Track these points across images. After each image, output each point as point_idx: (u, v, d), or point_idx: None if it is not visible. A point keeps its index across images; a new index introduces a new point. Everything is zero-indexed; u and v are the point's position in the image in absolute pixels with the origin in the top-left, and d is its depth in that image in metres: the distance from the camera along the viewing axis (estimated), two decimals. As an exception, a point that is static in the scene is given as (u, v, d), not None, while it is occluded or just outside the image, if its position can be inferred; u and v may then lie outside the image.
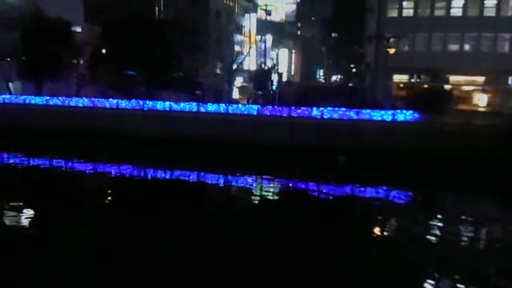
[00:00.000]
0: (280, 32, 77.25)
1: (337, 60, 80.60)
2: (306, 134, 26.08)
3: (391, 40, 34.82)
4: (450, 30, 40.23)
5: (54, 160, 24.38)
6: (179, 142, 27.21)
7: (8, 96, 33.35)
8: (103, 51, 33.84)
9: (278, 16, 77.38)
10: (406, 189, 19.45)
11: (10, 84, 48.80)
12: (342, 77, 66.32)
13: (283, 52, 75.06)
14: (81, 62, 35.82)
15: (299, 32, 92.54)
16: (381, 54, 43.38)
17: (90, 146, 27.52)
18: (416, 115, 24.84)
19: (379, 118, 25.32)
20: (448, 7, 40.26)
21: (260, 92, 41.37)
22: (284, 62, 74.46)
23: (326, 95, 41.67)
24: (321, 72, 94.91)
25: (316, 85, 64.24)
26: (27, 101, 32.23)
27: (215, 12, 50.87)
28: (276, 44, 72.67)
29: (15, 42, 37.79)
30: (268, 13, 54.28)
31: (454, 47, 40.88)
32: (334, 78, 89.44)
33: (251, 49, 67.25)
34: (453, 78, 40.77)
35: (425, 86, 40.51)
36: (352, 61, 65.98)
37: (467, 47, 40.66)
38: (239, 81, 64.13)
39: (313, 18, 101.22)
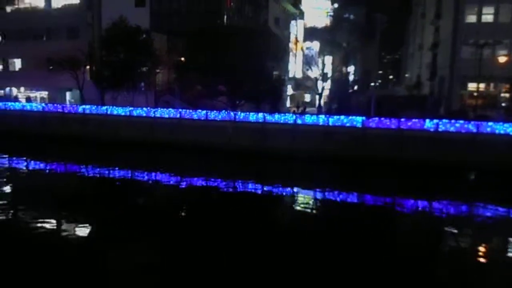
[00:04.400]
0: (326, 39, 75.76)
1: (395, 67, 78.43)
2: (418, 148, 24.47)
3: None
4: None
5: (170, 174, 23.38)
6: (273, 156, 26.02)
7: (88, 106, 32.40)
8: (182, 60, 32.78)
9: (322, 22, 76.10)
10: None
11: (68, 93, 48.65)
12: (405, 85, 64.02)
13: (328, 60, 73.65)
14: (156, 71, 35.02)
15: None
16: (456, 61, 41.84)
17: (177, 158, 26.63)
18: (543, 128, 22.97)
19: (502, 132, 23.53)
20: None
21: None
22: (329, 70, 72.99)
23: (405, 104, 39.96)
24: (378, 81, 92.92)
25: (392, 93, 61.89)
26: (108, 112, 31.34)
27: (273, 19, 49.88)
28: (322, 51, 71.36)
29: (81, 50, 37.34)
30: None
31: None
32: (391, 86, 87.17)
33: (297, 56, 66.11)
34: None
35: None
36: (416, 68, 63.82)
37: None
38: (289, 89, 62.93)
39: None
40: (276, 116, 27.72)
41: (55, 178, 22.87)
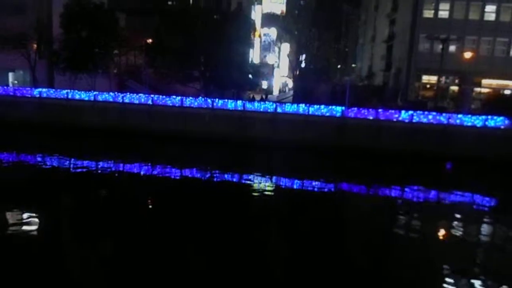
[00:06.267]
0: (281, 26, 75.84)
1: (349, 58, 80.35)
2: (394, 138, 25.50)
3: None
4: (483, 34, 41.33)
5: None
6: (252, 145, 25.75)
7: (45, 90, 29.39)
8: (150, 42, 30.86)
9: (278, 8, 75.97)
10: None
11: (10, 74, 43.95)
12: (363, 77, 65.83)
13: (285, 47, 73.85)
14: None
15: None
16: (414, 54, 44.01)
17: (150, 146, 25.30)
18: (507, 121, 25.00)
19: (470, 124, 25.21)
20: (482, 11, 41.27)
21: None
22: (285, 58, 73.33)
23: (364, 94, 41.38)
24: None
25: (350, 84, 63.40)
26: (69, 96, 28.73)
27: (236, 4, 48.72)
28: (279, 38, 71.33)
29: (31, 27, 33.85)
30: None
31: (485, 50, 42.00)
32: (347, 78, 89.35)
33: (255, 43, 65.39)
34: (485, 82, 42.11)
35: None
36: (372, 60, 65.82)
37: (498, 51, 41.92)
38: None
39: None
40: (256, 104, 27.24)
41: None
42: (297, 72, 42.96)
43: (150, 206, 15.93)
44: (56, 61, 30.11)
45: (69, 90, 28.92)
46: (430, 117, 25.52)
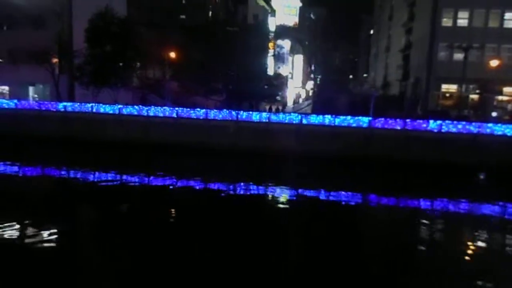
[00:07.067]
0: (295, 37, 76.26)
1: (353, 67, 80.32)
2: (422, 148, 25.06)
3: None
4: (503, 42, 40.87)
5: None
6: (279, 155, 25.45)
7: (69, 104, 29.59)
8: (174, 55, 30.99)
9: (291, 20, 76.39)
10: None
11: (31, 88, 44.48)
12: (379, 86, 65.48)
13: (298, 59, 74.05)
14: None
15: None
16: (433, 63, 43.61)
17: (176, 160, 25.17)
18: (538, 129, 24.45)
19: (500, 133, 24.72)
20: (502, 19, 40.90)
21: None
22: (298, 69, 73.48)
23: (382, 104, 40.93)
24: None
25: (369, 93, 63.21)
26: (94, 110, 28.86)
27: (252, 16, 49.03)
28: (292, 50, 71.56)
29: (53, 41, 34.39)
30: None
31: (506, 58, 41.43)
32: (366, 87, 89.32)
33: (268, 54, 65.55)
34: (507, 89, 41.50)
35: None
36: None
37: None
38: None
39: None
40: (281, 115, 27.09)
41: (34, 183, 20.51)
42: (315, 83, 42.78)
43: (187, 219, 15.71)
44: (80, 75, 30.33)
45: (93, 104, 29.07)
46: (459, 126, 25.09)
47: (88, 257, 11.48)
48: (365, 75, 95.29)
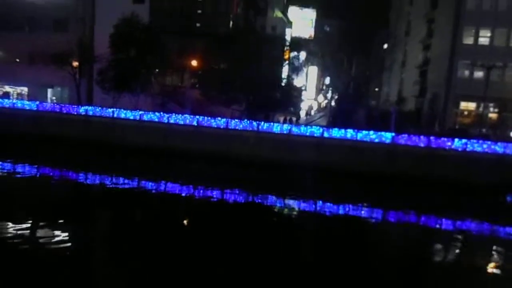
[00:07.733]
0: (310, 49, 76.30)
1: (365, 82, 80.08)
2: (446, 166, 24.66)
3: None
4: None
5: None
6: (299, 168, 25.18)
7: (91, 108, 29.68)
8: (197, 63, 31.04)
9: (307, 32, 76.60)
10: None
11: (49, 91, 44.80)
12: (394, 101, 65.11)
13: (312, 70, 74.02)
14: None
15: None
16: (453, 80, 43.29)
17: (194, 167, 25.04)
18: None
19: (527, 153, 24.26)
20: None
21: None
22: (312, 81, 73.37)
23: (402, 120, 40.61)
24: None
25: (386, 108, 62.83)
26: (115, 115, 28.89)
27: (271, 27, 49.23)
28: (306, 62, 71.63)
29: (76, 44, 34.69)
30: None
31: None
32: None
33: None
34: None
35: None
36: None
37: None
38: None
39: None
40: (302, 128, 26.89)
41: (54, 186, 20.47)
42: (329, 96, 42.62)
43: (202, 228, 15.49)
44: (102, 80, 30.46)
45: (114, 109, 29.13)
46: (484, 146, 24.68)
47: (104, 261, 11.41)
48: (376, 89, 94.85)
